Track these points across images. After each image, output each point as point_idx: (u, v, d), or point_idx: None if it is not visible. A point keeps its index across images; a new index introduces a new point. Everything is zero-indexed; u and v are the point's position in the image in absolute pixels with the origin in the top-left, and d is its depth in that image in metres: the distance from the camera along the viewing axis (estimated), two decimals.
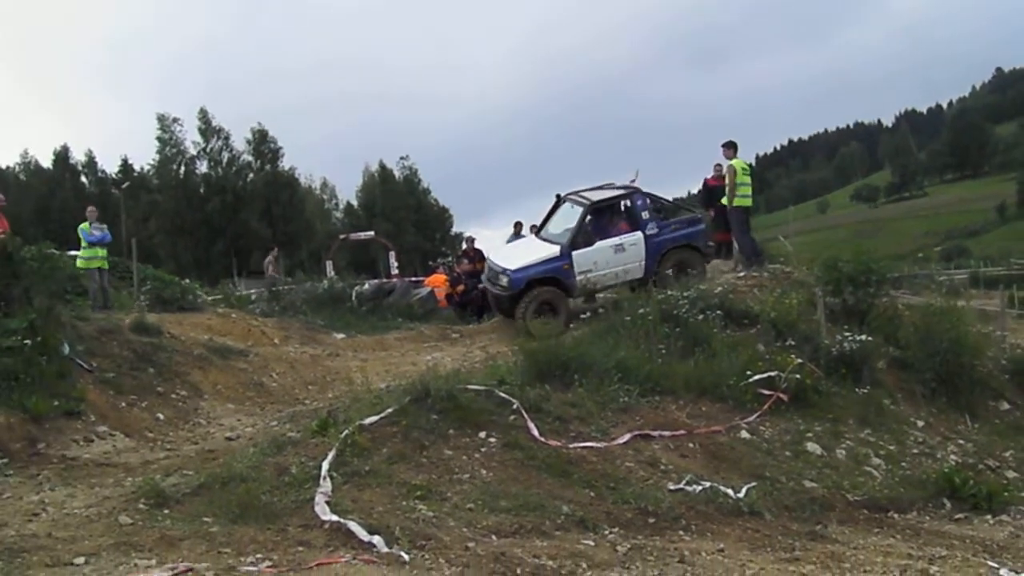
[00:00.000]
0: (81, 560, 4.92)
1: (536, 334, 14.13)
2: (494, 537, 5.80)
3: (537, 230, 17.62)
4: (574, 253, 15.51)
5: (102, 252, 16.03)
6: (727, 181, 15.17)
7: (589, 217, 16.29)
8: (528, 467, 7.07)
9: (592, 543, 5.88)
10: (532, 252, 16.30)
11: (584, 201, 16.34)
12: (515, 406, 7.81)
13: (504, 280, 15.79)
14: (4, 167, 74.71)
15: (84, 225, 16.14)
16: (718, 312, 10.61)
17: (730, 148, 15.32)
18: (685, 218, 16.70)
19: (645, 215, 15.88)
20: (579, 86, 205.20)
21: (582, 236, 15.83)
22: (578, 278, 15.48)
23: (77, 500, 6.47)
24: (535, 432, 7.47)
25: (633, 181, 16.86)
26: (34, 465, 7.68)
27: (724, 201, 15.53)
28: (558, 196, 17.26)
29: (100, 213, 17.24)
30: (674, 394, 8.88)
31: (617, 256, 15.70)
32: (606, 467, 7.21)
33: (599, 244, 15.76)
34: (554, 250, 15.75)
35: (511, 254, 16.96)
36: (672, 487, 7.05)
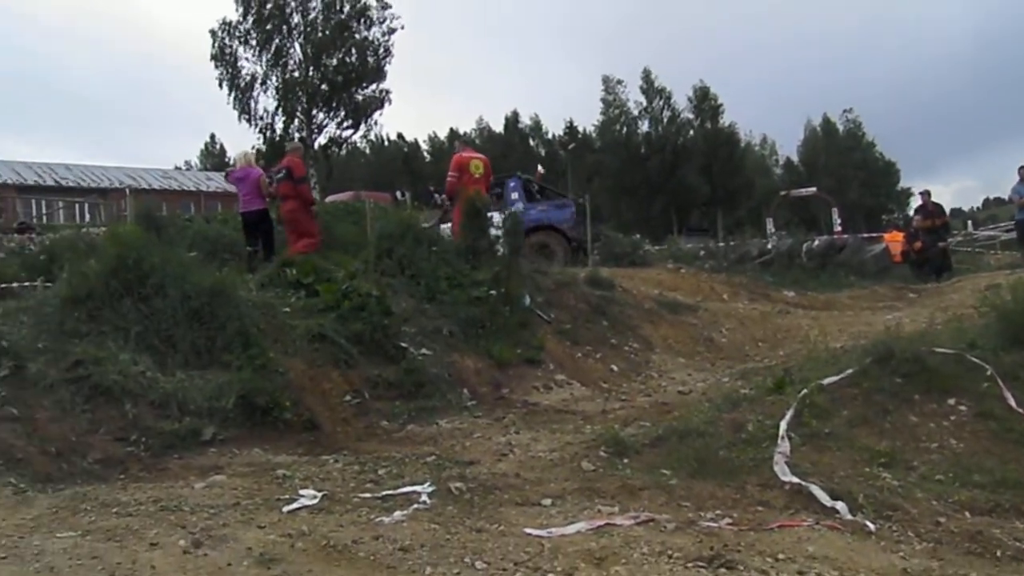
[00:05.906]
0: (548, 501, 5.13)
1: None
2: (967, 513, 5.32)
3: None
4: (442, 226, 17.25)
5: None
6: None
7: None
8: (1004, 440, 6.38)
9: None
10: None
11: None
12: (988, 372, 7.11)
13: None
14: (462, 132, 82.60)
15: None
16: None
17: None
18: (556, 202, 19.07)
19: (514, 195, 18.03)
20: None
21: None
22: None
23: (540, 444, 6.83)
24: (1012, 402, 6.73)
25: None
26: (499, 408, 8.29)
27: None
28: None
29: (545, 173, 20.98)
30: None
31: None
32: None
33: None
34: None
35: None
36: None
